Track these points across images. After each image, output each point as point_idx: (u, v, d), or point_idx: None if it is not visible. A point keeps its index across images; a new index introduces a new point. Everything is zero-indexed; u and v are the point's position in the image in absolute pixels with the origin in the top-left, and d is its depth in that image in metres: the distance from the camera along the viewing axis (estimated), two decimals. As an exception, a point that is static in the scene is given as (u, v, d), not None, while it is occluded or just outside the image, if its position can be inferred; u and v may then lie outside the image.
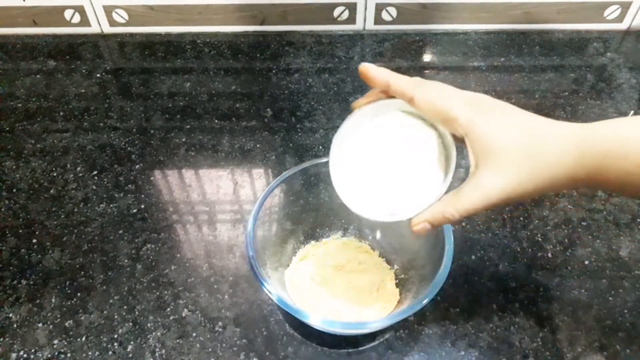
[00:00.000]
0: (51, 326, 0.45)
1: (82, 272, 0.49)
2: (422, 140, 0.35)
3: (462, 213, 0.32)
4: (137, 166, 0.59)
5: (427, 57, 0.74)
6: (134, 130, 0.63)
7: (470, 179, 0.32)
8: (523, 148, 0.31)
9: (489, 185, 0.31)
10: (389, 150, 0.36)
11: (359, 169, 0.36)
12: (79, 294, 0.47)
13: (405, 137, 0.35)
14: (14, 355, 0.43)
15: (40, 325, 0.45)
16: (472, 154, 0.32)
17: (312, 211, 0.48)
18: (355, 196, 0.37)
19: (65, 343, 0.44)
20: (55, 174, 0.58)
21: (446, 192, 0.34)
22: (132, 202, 0.55)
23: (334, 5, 0.74)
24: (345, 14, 0.75)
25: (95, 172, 0.58)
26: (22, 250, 0.51)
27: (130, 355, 0.43)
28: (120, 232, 0.52)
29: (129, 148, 0.61)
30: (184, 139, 0.62)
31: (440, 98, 0.33)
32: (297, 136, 0.62)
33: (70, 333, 0.44)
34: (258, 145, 0.61)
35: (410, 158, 0.36)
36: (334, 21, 0.76)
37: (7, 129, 0.64)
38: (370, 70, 0.34)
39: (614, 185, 0.31)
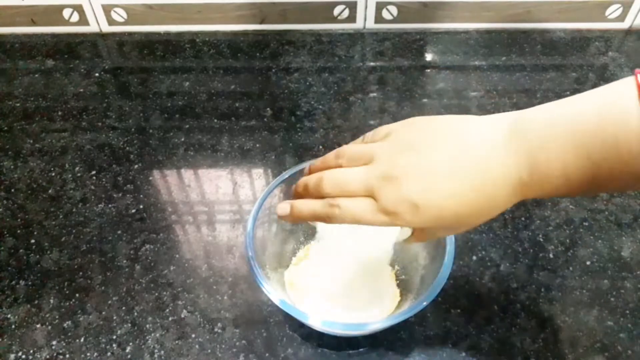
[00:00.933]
0: (50, 327, 0.44)
1: (81, 273, 0.48)
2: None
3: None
4: (136, 166, 0.58)
5: (427, 56, 0.73)
6: (133, 129, 0.63)
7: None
8: (451, 216, 0.30)
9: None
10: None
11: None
12: (77, 295, 0.47)
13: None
14: (12, 356, 0.43)
15: (38, 326, 0.45)
16: None
17: (312, 211, 0.48)
18: None
19: (64, 344, 0.43)
20: (53, 174, 0.58)
21: None
22: (130, 203, 0.54)
23: (334, 4, 0.74)
24: (346, 13, 0.75)
25: (93, 172, 0.58)
26: (21, 250, 0.50)
27: (129, 356, 0.42)
28: (119, 232, 0.52)
29: (127, 148, 0.60)
30: (183, 139, 0.61)
31: (355, 218, 0.32)
32: (297, 136, 0.61)
33: (69, 334, 0.44)
34: (257, 145, 0.60)
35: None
36: (334, 20, 0.76)
37: (5, 128, 0.63)
38: (288, 219, 0.35)
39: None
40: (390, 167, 0.31)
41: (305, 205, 0.34)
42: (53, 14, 0.76)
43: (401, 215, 0.30)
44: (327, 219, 0.32)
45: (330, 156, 0.35)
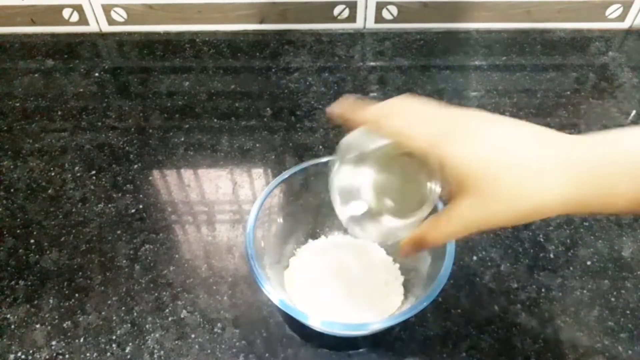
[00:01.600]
0: (49, 327, 0.44)
1: (80, 273, 0.48)
2: None
3: (438, 243, 0.33)
4: (136, 166, 0.58)
5: (428, 56, 0.73)
6: (133, 129, 0.63)
7: (448, 208, 0.31)
8: (502, 176, 0.29)
9: (466, 217, 0.30)
10: None
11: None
12: (77, 295, 0.47)
13: None
14: (12, 356, 0.43)
15: (38, 326, 0.45)
16: (444, 183, 0.32)
17: (312, 211, 0.48)
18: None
19: (64, 344, 0.43)
20: (53, 174, 0.58)
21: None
22: (130, 202, 0.54)
23: (334, 4, 0.74)
24: (346, 13, 0.75)
25: (93, 172, 0.58)
26: (20, 250, 0.50)
27: (128, 356, 0.42)
28: (119, 232, 0.52)
29: (127, 148, 0.60)
30: (182, 139, 0.61)
31: (402, 131, 0.31)
32: (296, 136, 0.61)
33: (69, 334, 0.44)
34: (257, 145, 0.60)
35: None
36: (334, 20, 0.76)
37: (5, 128, 0.63)
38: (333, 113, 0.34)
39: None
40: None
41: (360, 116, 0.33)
42: (53, 14, 0.76)
43: None
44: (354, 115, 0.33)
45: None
